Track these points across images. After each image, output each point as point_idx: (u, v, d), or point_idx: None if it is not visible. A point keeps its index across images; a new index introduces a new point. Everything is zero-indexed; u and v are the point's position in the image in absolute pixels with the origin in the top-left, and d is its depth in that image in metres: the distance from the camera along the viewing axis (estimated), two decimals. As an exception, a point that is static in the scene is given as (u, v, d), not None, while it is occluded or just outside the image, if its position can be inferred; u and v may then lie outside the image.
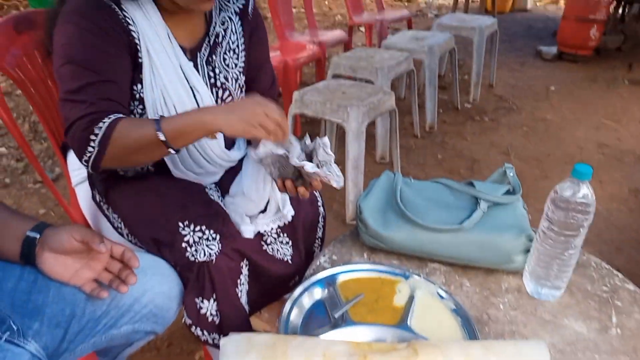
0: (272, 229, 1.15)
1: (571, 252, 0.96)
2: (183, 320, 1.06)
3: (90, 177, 1.13)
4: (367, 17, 4.05)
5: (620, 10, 4.81)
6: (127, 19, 0.97)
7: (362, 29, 5.04)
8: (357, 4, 4.07)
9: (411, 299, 0.97)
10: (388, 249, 1.11)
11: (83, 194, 1.17)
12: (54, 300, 0.81)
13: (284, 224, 1.17)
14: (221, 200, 1.14)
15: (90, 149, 0.91)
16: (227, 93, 1.13)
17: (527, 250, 1.05)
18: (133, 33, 0.97)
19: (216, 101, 1.11)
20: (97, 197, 1.13)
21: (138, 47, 0.99)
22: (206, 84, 1.08)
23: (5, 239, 0.81)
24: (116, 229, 1.12)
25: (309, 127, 3.10)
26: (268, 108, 0.88)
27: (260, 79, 1.20)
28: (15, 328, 0.74)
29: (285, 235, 1.17)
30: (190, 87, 1.05)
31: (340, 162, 2.69)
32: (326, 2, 7.00)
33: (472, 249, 1.06)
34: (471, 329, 0.90)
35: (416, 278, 1.02)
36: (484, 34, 3.32)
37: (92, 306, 0.85)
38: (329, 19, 6.07)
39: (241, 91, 1.16)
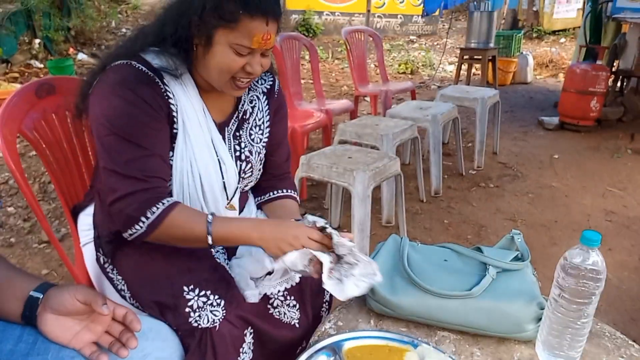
0: (278, 291, 1.13)
1: (584, 320, 0.94)
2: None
3: (96, 239, 1.13)
4: (372, 87, 4.21)
5: (618, 84, 4.97)
6: (167, 93, 1.02)
7: (368, 98, 5.21)
8: (363, 76, 4.24)
9: (420, 368, 0.94)
10: (396, 316, 1.08)
11: (89, 254, 1.17)
12: (52, 364, 0.79)
13: (291, 286, 1.15)
14: (227, 264, 1.13)
15: (137, 227, 0.97)
16: (249, 166, 1.18)
17: (539, 319, 1.02)
18: (172, 106, 1.03)
19: (238, 173, 1.15)
20: (102, 260, 1.12)
21: (175, 119, 1.04)
22: (231, 156, 1.13)
23: (7, 298, 0.80)
24: (119, 291, 1.11)
25: (315, 189, 3.14)
26: (309, 233, 0.97)
27: (278, 153, 1.26)
28: (9, 393, 0.71)
29: (292, 298, 1.15)
30: (218, 159, 1.10)
31: (346, 225, 2.70)
32: (333, 75, 7.30)
33: (482, 317, 1.04)
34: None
35: (425, 347, 0.98)
36: (486, 104, 3.42)
37: (90, 370, 0.82)
38: (335, 90, 6.29)
39: (260, 163, 1.22)
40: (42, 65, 6.01)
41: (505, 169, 3.63)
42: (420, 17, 10.34)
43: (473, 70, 6.53)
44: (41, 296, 0.80)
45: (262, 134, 1.21)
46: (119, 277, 1.10)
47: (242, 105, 1.17)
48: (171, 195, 1.05)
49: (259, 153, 1.20)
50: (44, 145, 1.15)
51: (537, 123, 4.80)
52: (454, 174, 3.49)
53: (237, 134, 1.16)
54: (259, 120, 1.20)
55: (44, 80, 1.17)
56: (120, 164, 0.96)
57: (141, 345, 0.87)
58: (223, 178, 1.10)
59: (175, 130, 1.04)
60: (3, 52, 5.47)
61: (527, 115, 5.17)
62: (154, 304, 1.04)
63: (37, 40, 6.23)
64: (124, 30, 7.83)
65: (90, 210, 1.16)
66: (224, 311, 1.01)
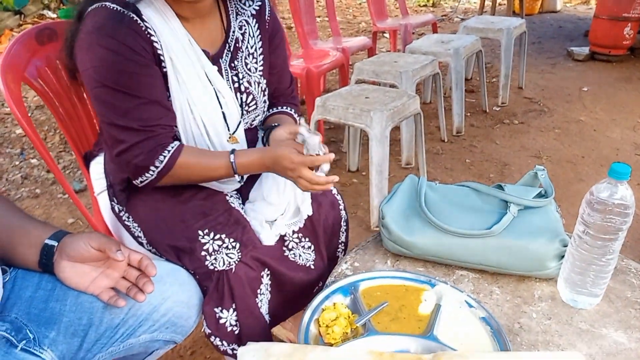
0: (292, 232, 1.13)
1: (609, 257, 0.90)
2: (202, 330, 1.04)
3: (110, 188, 1.13)
4: (391, 22, 4.02)
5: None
6: (148, 30, 0.97)
7: (387, 34, 5.00)
8: (381, 11, 4.04)
9: (437, 307, 0.93)
10: (413, 256, 1.07)
11: (105, 202, 1.17)
12: (71, 309, 0.80)
13: (306, 227, 1.14)
14: (242, 208, 1.12)
15: (148, 175, 0.99)
16: (250, 97, 1.13)
17: (562, 256, 0.99)
18: (155, 44, 0.98)
19: (240, 105, 1.11)
20: (117, 208, 1.13)
21: (162, 57, 0.99)
22: (230, 89, 1.09)
23: (24, 246, 0.81)
24: (136, 238, 1.11)
25: (332, 132, 3.08)
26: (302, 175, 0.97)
27: (281, 80, 1.22)
28: (31, 337, 0.73)
29: (307, 239, 1.15)
30: (215, 92, 1.06)
31: (365, 168, 2.66)
32: (350, 10, 7.00)
33: (502, 255, 1.01)
34: (502, 339, 0.85)
35: (443, 286, 0.97)
36: (512, 35, 3.24)
37: (110, 315, 0.84)
38: (352, 27, 6.05)
39: (263, 94, 1.17)
40: (54, 15, 5.92)
41: (531, 104, 3.48)
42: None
43: (498, 0, 6.17)
44: (56, 244, 0.81)
45: (256, 63, 1.15)
46: (135, 224, 1.11)
47: (233, 32, 1.11)
48: (176, 138, 1.04)
49: (259, 83, 1.15)
50: (50, 94, 1.13)
51: (566, 54, 4.55)
52: (477, 112, 3.37)
53: (233, 64, 1.10)
54: (251, 47, 1.14)
55: (44, 25, 1.13)
56: (119, 116, 0.95)
57: (160, 289, 0.88)
58: (222, 109, 1.07)
59: (164, 69, 1.00)
60: (15, 3, 5.38)
61: (556, 46, 4.90)
62: (170, 249, 1.05)
63: (48, -11, 6.11)
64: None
65: (101, 159, 1.15)
66: (239, 254, 1.01)
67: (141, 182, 1.01)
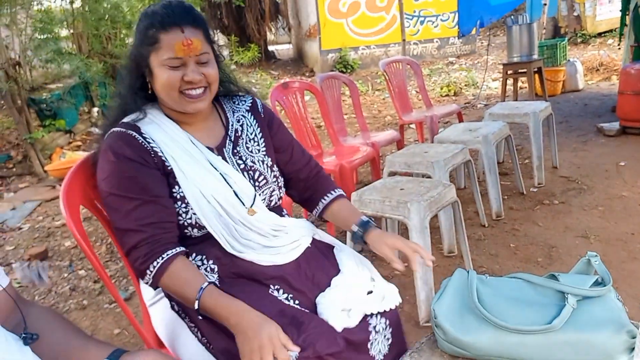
0: (378, 313, 1.17)
1: (687, 349, 0.84)
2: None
3: (170, 297, 1.16)
4: (416, 115, 4.17)
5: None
6: (148, 142, 1.13)
7: (413, 126, 5.17)
8: (405, 105, 4.22)
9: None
10: (470, 356, 1.02)
11: (157, 313, 1.19)
12: None
13: (391, 310, 1.20)
14: (290, 301, 1.14)
15: (147, 278, 1.07)
16: (257, 173, 1.23)
17: (632, 348, 0.93)
18: (155, 149, 1.13)
19: (250, 181, 1.20)
20: (176, 307, 1.15)
21: (163, 158, 1.13)
22: (237, 170, 1.20)
23: None
24: (199, 339, 1.12)
25: (370, 226, 3.08)
26: (276, 344, 0.95)
27: (295, 158, 1.34)
28: None
29: (389, 329, 1.18)
30: (222, 175, 1.16)
31: (407, 259, 2.60)
32: (375, 106, 7.32)
33: (566, 351, 0.96)
34: None
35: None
36: (539, 117, 3.29)
37: None
38: (379, 121, 6.29)
39: (271, 170, 1.26)
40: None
41: (568, 183, 3.43)
42: (456, 38, 10.27)
43: (519, 84, 6.35)
44: None
45: (258, 145, 1.27)
46: (191, 324, 1.12)
47: (232, 125, 1.26)
48: (176, 238, 1.11)
49: (263, 161, 1.25)
50: (103, 210, 1.20)
51: (596, 130, 4.55)
52: (514, 194, 3.34)
53: (235, 150, 1.23)
54: (251, 134, 1.28)
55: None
56: (120, 219, 1.07)
57: None
58: (232, 188, 1.16)
59: (169, 167, 1.13)
60: (66, 123, 5.88)
61: (584, 123, 4.92)
62: (227, 352, 1.04)
63: (95, 109, 6.68)
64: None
65: None
66: None
67: (146, 282, 1.09)
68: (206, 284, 1.03)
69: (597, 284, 1.05)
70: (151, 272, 1.05)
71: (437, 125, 3.83)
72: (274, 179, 1.26)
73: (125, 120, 1.16)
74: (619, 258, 2.42)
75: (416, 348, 1.10)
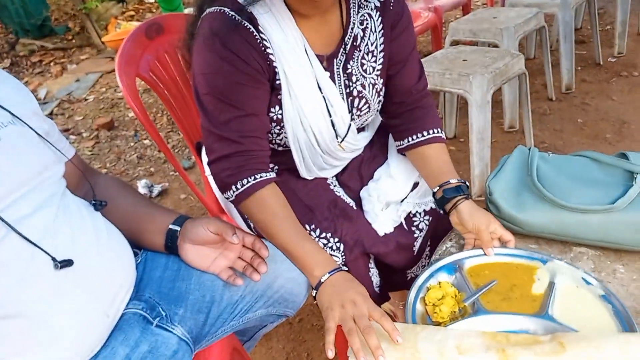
0: (422, 218, 1.14)
1: None
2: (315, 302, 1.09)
3: None
4: (488, -28, 3.72)
5: None
6: (264, 41, 0.94)
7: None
8: (476, -40, 3.75)
9: (552, 285, 0.88)
10: (525, 233, 1.02)
11: (214, 183, 1.25)
12: (195, 288, 0.88)
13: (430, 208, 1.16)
14: (346, 195, 1.14)
15: (229, 194, 0.97)
16: (363, 101, 1.07)
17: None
18: (271, 56, 0.95)
19: (351, 110, 1.06)
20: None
21: (276, 69, 0.97)
22: (341, 94, 1.04)
23: (152, 232, 0.90)
24: (246, 220, 1.18)
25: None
26: (359, 313, 0.80)
27: (403, 75, 1.08)
28: (164, 314, 0.82)
29: (428, 218, 1.16)
30: (325, 101, 1.02)
31: (463, 134, 2.55)
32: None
33: (627, 232, 0.93)
34: (626, 319, 0.79)
35: (557, 262, 0.92)
36: (632, -26, 2.85)
37: (230, 292, 0.91)
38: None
39: (378, 95, 1.09)
40: (153, 0, 6.27)
41: (654, 52, 3.08)
42: None
43: None
44: (179, 228, 0.88)
45: (375, 62, 1.05)
46: None
47: (352, 29, 1.02)
48: (269, 159, 1.01)
49: (374, 84, 1.06)
50: (161, 86, 1.21)
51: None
52: (589, 65, 3.05)
53: (347, 66, 1.03)
54: (372, 44, 1.04)
55: (152, 21, 1.21)
56: (217, 124, 0.94)
57: (272, 267, 0.93)
58: (331, 117, 1.03)
59: (278, 81, 0.98)
60: (117, -9, 5.78)
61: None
62: None
63: (147, -23, 6.46)
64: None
65: None
66: (343, 256, 1.04)
67: (225, 197, 1.01)
68: (324, 276, 0.89)
69: (672, 165, 0.98)
70: (237, 189, 0.95)
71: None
72: (378, 104, 1.11)
73: None
74: (699, 136, 2.24)
75: (468, 223, 1.11)
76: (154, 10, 6.09)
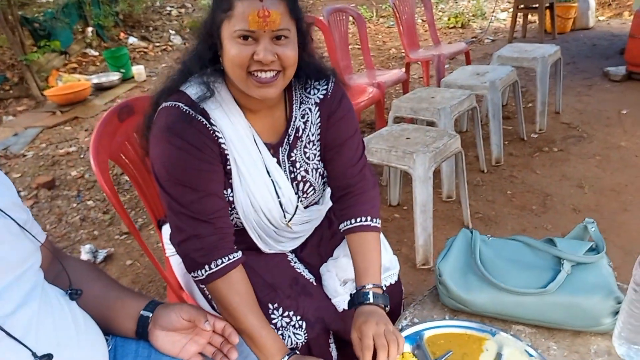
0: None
1: (666, 317, 0.93)
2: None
3: None
4: (424, 53, 4.09)
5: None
6: (216, 132, 1.02)
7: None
8: (413, 40, 4.12)
9: (499, 356, 0.98)
10: (470, 312, 1.12)
11: (177, 263, 1.27)
12: (167, 375, 0.89)
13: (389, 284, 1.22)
14: (306, 271, 1.21)
15: (199, 273, 1.01)
16: (308, 184, 1.15)
17: (616, 312, 1.03)
18: (222, 145, 1.03)
19: (296, 193, 1.14)
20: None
21: (227, 156, 1.04)
22: (287, 178, 1.11)
23: (122, 318, 0.91)
24: (209, 301, 1.20)
25: (372, 166, 3.15)
26: None
27: (338, 160, 1.14)
28: (138, 404, 0.82)
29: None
30: (273, 184, 1.09)
31: (406, 202, 2.71)
32: (379, 36, 7.11)
33: (558, 312, 1.05)
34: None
35: (504, 335, 1.03)
36: (547, 63, 3.26)
37: (199, 377, 0.93)
38: (383, 54, 6.15)
39: (322, 178, 1.17)
40: (97, 53, 6.25)
41: (569, 130, 3.47)
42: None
43: (529, 18, 6.16)
44: (150, 315, 0.90)
45: (316, 149, 1.14)
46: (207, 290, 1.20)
47: (294, 122, 1.11)
48: (233, 236, 1.05)
49: (317, 169, 1.15)
50: (130, 166, 1.25)
51: (602, 74, 4.50)
52: (514, 139, 3.39)
53: (291, 154, 1.11)
54: (312, 134, 1.13)
55: (124, 104, 1.26)
56: (182, 205, 0.99)
57: (240, 348, 0.96)
58: (279, 198, 1.10)
59: (228, 167, 1.05)
60: (61, 44, 5.72)
61: (591, 65, 4.85)
62: None
63: (90, 29, 6.47)
64: (168, 8, 7.94)
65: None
66: (305, 334, 1.09)
67: (193, 278, 1.04)
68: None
69: (591, 249, 1.13)
70: (210, 269, 0.99)
71: (444, 65, 3.78)
72: (323, 185, 1.19)
73: (191, 93, 1.01)
74: (610, 209, 2.52)
75: (419, 300, 1.20)
76: (98, 64, 6.06)
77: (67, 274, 0.89)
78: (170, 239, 1.08)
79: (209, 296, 1.19)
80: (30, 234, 0.84)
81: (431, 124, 2.58)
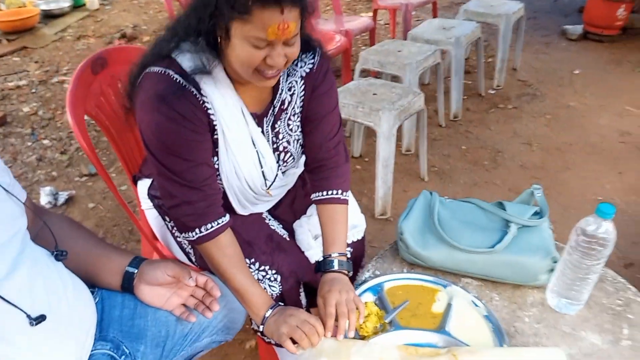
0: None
1: (592, 276, 1.09)
2: (251, 327, 1.23)
3: (158, 207, 1.27)
4: (392, 0, 4.04)
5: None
6: (205, 103, 1.03)
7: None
8: (382, -14, 4.05)
9: (449, 306, 1.12)
10: (426, 266, 1.25)
11: (151, 216, 1.32)
12: (152, 324, 0.97)
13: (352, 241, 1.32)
14: (281, 228, 1.29)
15: (190, 234, 1.07)
16: (288, 155, 1.21)
17: (552, 270, 1.18)
18: (212, 116, 1.05)
19: (277, 162, 1.19)
20: (169, 226, 1.28)
21: (215, 127, 1.06)
22: (270, 148, 1.16)
23: (107, 273, 0.97)
24: (187, 254, 1.27)
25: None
26: (300, 322, 0.99)
27: (317, 132, 1.20)
28: (128, 352, 0.90)
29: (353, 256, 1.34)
30: (257, 153, 1.14)
31: (367, 154, 2.80)
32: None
33: (503, 269, 1.19)
34: (501, 335, 1.05)
35: (454, 287, 1.16)
36: (511, 21, 3.33)
37: (181, 326, 1.02)
38: (349, -6, 6.01)
39: (302, 147, 1.23)
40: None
41: (524, 88, 3.62)
42: None
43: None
44: (136, 271, 0.97)
45: (298, 120, 1.19)
46: (186, 242, 1.27)
47: (280, 94, 1.14)
48: (221, 200, 1.11)
49: (298, 140, 1.21)
50: (105, 119, 1.25)
51: (560, 32, 4.64)
52: (473, 95, 3.51)
53: (275, 125, 1.15)
54: (297, 107, 1.17)
55: (97, 55, 1.24)
56: (174, 173, 1.02)
57: (222, 300, 1.05)
58: (262, 168, 1.16)
59: (215, 136, 1.08)
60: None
61: (551, 22, 4.97)
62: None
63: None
64: None
65: (147, 182, 1.29)
66: (280, 286, 1.18)
67: (183, 237, 1.10)
68: (269, 310, 1.05)
69: (536, 213, 1.27)
70: (201, 232, 1.05)
71: (411, 16, 3.77)
72: (301, 154, 1.25)
73: (183, 63, 1.00)
74: (555, 167, 2.72)
75: (380, 255, 1.32)
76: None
77: (52, 234, 0.91)
78: (149, 196, 1.12)
79: (187, 248, 1.27)
80: (13, 195, 0.84)
81: (396, 77, 2.63)
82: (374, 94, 2.20)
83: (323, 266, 1.17)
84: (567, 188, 2.53)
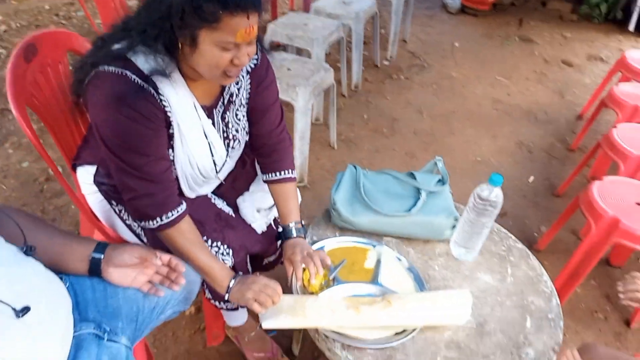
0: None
1: (485, 230, 1.38)
2: (205, 295, 1.35)
3: (106, 193, 1.31)
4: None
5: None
6: (162, 102, 1.09)
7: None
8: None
9: (378, 262, 1.35)
10: (354, 229, 1.46)
11: (93, 200, 1.35)
12: (124, 302, 1.05)
13: None
14: (225, 205, 1.40)
15: (150, 223, 1.14)
16: (236, 142, 1.31)
17: (454, 226, 1.45)
18: (168, 113, 1.11)
19: (227, 149, 1.29)
20: (117, 209, 1.32)
21: (171, 122, 1.13)
22: (220, 137, 1.26)
23: (73, 261, 1.02)
24: (137, 235, 1.34)
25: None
26: (262, 286, 1.15)
27: (264, 122, 1.32)
28: (108, 329, 0.98)
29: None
30: (209, 143, 1.23)
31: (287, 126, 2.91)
32: None
33: (416, 228, 1.45)
34: (421, 282, 1.31)
35: (382, 247, 1.39)
36: (402, -4, 3.59)
37: (148, 301, 1.10)
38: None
39: (247, 134, 1.34)
40: None
41: (413, 59, 3.96)
42: None
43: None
44: (102, 256, 1.03)
45: (244, 111, 1.29)
46: (135, 225, 1.32)
47: (229, 87, 1.23)
48: (177, 189, 1.21)
49: (244, 128, 1.31)
50: (40, 107, 1.23)
51: (442, 5, 5.07)
52: (369, 65, 3.76)
53: (225, 116, 1.25)
54: (244, 99, 1.27)
55: (27, 44, 1.19)
56: (134, 168, 1.08)
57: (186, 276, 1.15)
58: (213, 157, 1.26)
59: (171, 131, 1.14)
60: None
61: (434, -5, 5.39)
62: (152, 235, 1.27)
63: None
64: None
65: (90, 169, 1.30)
66: (233, 259, 1.31)
67: (141, 226, 1.18)
68: (232, 280, 1.19)
69: (439, 181, 1.54)
70: (162, 220, 1.13)
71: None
72: (245, 141, 1.36)
73: (140, 64, 1.04)
74: (442, 133, 3.09)
75: (316, 222, 1.50)
76: None
77: (22, 231, 0.91)
78: (95, 182, 1.20)
79: (137, 230, 1.33)
80: None
81: (300, 50, 2.77)
82: (289, 69, 2.32)
83: (284, 235, 1.34)
84: (452, 151, 2.91)
